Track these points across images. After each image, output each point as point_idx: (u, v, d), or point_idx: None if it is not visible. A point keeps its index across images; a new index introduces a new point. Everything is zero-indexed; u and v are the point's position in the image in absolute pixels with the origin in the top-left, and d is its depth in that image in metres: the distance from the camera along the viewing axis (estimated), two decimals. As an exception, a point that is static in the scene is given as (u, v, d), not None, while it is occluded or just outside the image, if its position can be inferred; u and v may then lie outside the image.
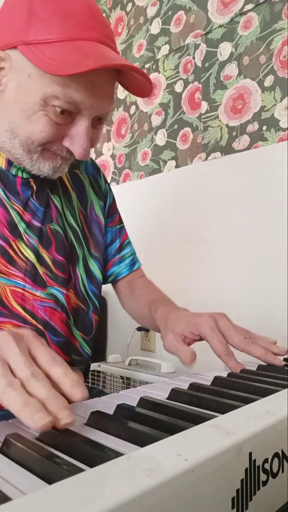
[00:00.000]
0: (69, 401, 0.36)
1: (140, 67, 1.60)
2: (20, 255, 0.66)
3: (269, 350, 0.63)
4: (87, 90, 0.57)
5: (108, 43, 0.59)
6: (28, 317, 0.65)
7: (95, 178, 0.83)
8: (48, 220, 0.70)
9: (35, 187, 0.70)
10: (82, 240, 0.76)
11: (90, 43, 0.56)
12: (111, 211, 0.86)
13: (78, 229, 0.75)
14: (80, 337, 0.74)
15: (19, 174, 0.68)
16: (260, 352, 0.62)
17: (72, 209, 0.75)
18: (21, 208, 0.68)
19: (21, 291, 0.65)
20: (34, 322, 0.66)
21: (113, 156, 1.75)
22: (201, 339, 0.66)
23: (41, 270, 0.68)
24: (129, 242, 0.89)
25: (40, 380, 0.35)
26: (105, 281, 0.86)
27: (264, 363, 0.64)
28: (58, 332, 0.68)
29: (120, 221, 0.88)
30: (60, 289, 0.69)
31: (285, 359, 0.69)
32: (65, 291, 0.70)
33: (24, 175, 0.68)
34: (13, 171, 0.67)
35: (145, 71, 1.59)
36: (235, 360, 0.61)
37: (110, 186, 0.88)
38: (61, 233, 0.71)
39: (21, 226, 0.67)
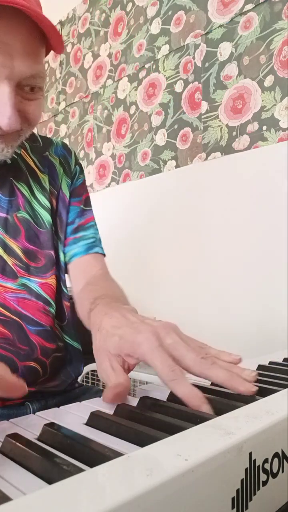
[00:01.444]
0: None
1: (140, 67, 1.60)
2: None
3: (234, 373, 0.43)
4: None
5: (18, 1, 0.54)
6: (0, 309, 0.65)
7: (65, 158, 0.80)
8: (14, 209, 0.68)
9: None
10: (54, 224, 0.74)
11: None
12: (78, 192, 0.81)
13: (52, 211, 0.74)
14: (58, 324, 0.73)
15: None
16: (223, 377, 0.42)
17: (44, 191, 0.73)
18: None
19: None
20: (7, 313, 0.65)
21: (113, 156, 1.75)
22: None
23: (10, 261, 0.66)
24: (93, 226, 0.81)
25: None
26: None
27: (265, 364, 0.64)
28: (35, 322, 0.67)
29: (86, 204, 0.81)
30: (34, 279, 0.68)
31: (285, 359, 0.69)
32: (40, 280, 0.68)
33: None
34: None
35: (145, 71, 1.59)
36: (186, 385, 0.41)
37: (83, 167, 0.84)
38: (31, 220, 0.70)
39: None
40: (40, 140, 0.79)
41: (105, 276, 0.77)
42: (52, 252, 0.72)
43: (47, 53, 0.62)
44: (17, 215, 0.69)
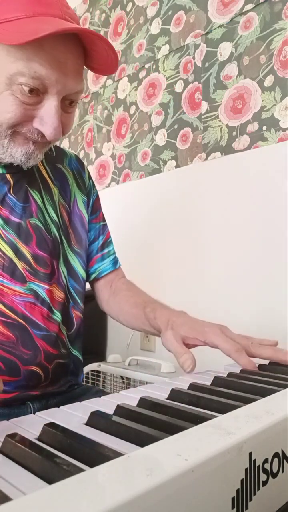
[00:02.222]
0: None
1: (140, 67, 1.60)
2: None
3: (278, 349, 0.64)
4: (51, 65, 0.57)
5: (70, 21, 0.59)
6: (7, 311, 0.65)
7: (79, 172, 0.82)
8: (27, 215, 0.70)
9: (11, 182, 0.69)
10: (63, 236, 0.75)
11: (51, 18, 0.57)
12: (95, 208, 0.85)
13: (60, 224, 0.75)
14: (65, 332, 0.74)
15: None
16: (269, 353, 0.63)
17: (53, 204, 0.75)
18: None
19: None
20: (14, 316, 0.66)
21: (113, 156, 1.75)
22: (203, 345, 0.66)
23: (20, 265, 0.68)
24: (111, 241, 0.89)
25: None
26: (87, 279, 0.85)
27: (265, 364, 0.64)
28: (40, 327, 0.68)
29: (103, 219, 0.88)
30: (41, 284, 0.69)
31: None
32: (46, 286, 0.70)
33: (0, 170, 0.68)
34: None
35: (145, 71, 1.59)
36: (246, 357, 0.61)
37: (94, 182, 0.87)
38: (42, 228, 0.71)
39: None
40: (53, 150, 0.80)
41: (130, 283, 0.89)
42: (55, 262, 0.73)
43: None
44: (30, 221, 0.70)
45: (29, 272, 0.68)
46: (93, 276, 0.85)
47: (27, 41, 0.52)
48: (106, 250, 0.86)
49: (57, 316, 0.71)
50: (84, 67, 0.64)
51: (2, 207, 0.68)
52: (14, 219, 0.68)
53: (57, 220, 0.75)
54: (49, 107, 0.59)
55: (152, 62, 1.56)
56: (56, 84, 0.58)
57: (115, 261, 0.88)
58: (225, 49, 1.29)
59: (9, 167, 0.68)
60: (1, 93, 0.57)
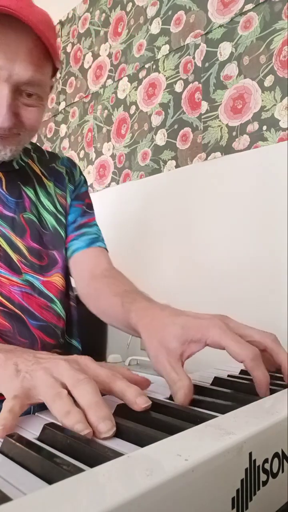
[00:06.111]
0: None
1: (140, 67, 1.60)
2: None
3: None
4: None
5: (25, 11, 0.58)
6: (4, 301, 0.67)
7: (70, 169, 0.85)
8: (20, 210, 0.72)
9: (4, 180, 0.72)
10: (58, 225, 0.77)
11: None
12: (81, 197, 0.84)
13: (59, 214, 0.77)
14: (62, 322, 0.75)
15: None
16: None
17: (49, 196, 0.77)
18: None
19: None
20: (10, 306, 0.67)
21: (113, 156, 1.75)
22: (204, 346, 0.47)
23: (15, 257, 0.70)
24: (95, 226, 0.83)
25: (85, 384, 0.37)
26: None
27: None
28: (36, 317, 0.69)
29: (89, 207, 0.84)
30: (37, 276, 0.71)
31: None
32: (43, 278, 0.71)
33: None
34: None
35: (145, 71, 1.59)
36: (263, 368, 0.44)
37: (86, 179, 0.88)
38: (36, 221, 0.73)
39: None
40: (47, 154, 0.84)
41: (117, 270, 0.77)
42: (55, 252, 0.74)
43: (55, 72, 0.67)
44: (23, 215, 0.72)
45: (24, 264, 0.70)
46: (67, 254, 0.79)
47: None
48: (83, 231, 0.80)
49: (58, 306, 0.73)
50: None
51: None
52: (8, 213, 0.71)
53: (55, 210, 0.77)
54: None
55: (152, 62, 1.56)
56: (2, 71, 0.58)
57: (93, 241, 0.79)
58: (225, 49, 1.29)
59: (1, 165, 0.71)
60: None
